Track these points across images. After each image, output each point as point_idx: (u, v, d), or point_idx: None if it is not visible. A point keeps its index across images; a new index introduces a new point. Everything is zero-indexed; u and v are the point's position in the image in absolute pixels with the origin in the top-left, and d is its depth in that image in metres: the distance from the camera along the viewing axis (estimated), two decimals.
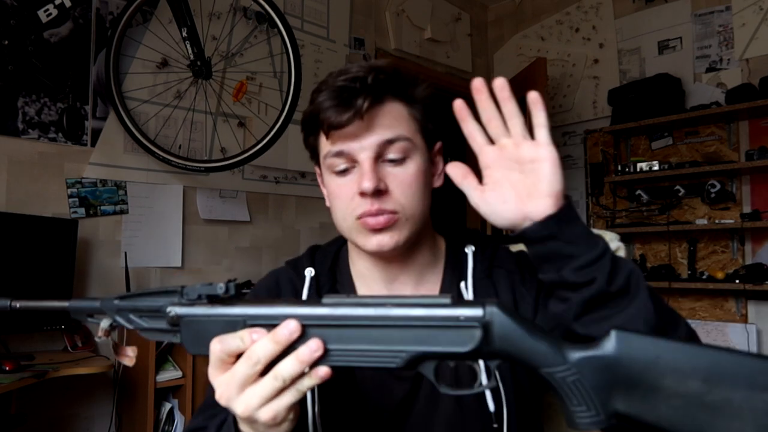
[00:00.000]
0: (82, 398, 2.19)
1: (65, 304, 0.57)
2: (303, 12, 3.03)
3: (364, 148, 0.71)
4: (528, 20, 4.17)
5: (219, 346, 0.51)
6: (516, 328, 0.50)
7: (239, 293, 0.54)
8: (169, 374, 2.11)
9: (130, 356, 0.61)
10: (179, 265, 2.50)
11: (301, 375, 0.50)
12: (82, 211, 2.22)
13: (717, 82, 3.27)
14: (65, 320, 2.00)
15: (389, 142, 0.71)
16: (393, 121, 0.72)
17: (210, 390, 0.77)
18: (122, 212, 2.33)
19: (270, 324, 0.52)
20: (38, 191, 2.12)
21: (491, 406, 0.70)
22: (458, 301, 0.51)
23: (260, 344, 0.50)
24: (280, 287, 0.83)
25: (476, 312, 0.50)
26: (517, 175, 0.61)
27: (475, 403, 0.72)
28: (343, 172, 0.73)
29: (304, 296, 0.79)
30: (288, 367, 0.50)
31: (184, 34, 2.12)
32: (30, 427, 2.00)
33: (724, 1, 3.26)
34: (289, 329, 0.50)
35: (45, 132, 2.15)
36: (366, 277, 0.81)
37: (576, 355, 0.49)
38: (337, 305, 0.52)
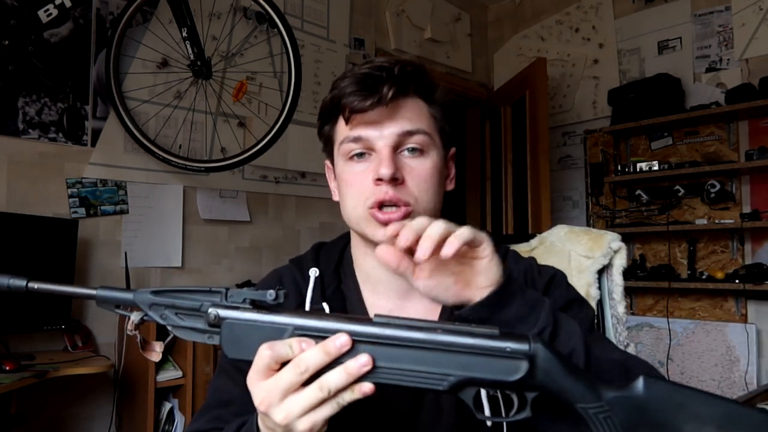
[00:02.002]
0: (82, 398, 2.20)
1: (93, 291, 0.55)
2: (303, 12, 3.03)
3: (383, 136, 0.71)
4: (528, 20, 4.17)
5: (269, 351, 0.51)
6: (558, 365, 0.53)
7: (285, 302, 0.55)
8: (170, 374, 2.11)
9: (157, 351, 0.60)
10: (179, 265, 2.50)
11: (345, 388, 0.50)
12: (82, 211, 2.22)
13: (717, 82, 3.28)
14: (65, 320, 2.00)
15: (409, 134, 0.71)
16: (414, 115, 0.73)
17: (212, 391, 0.76)
18: (122, 212, 2.33)
19: (318, 336, 0.52)
20: (38, 191, 2.12)
21: (489, 422, 0.69)
22: (505, 333, 0.54)
23: (310, 353, 0.51)
24: (283, 287, 0.81)
25: (522, 345, 0.53)
26: (454, 264, 0.60)
27: (476, 421, 0.72)
28: (359, 159, 0.73)
29: (308, 297, 0.78)
30: (335, 378, 0.50)
31: (184, 34, 2.13)
32: (30, 427, 2.01)
33: (723, 1, 3.26)
34: (340, 342, 0.51)
35: (45, 132, 2.15)
36: (371, 279, 0.79)
37: (609, 394, 0.54)
38: (387, 325, 0.53)
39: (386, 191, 0.69)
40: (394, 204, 0.70)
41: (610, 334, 0.97)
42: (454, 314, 0.62)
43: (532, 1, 4.15)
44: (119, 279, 2.23)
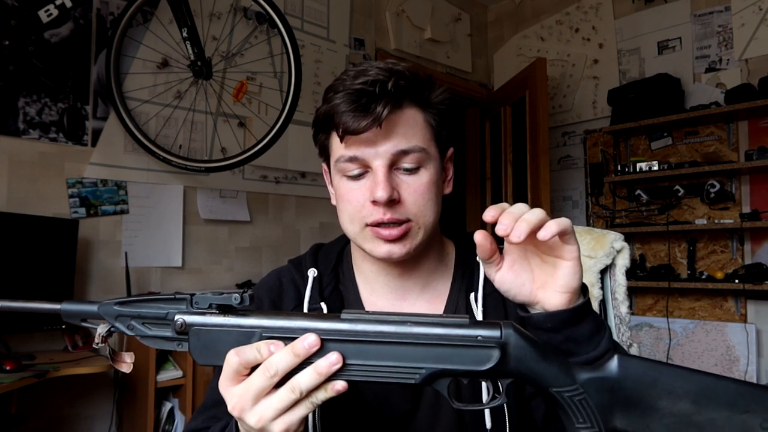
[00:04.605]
0: (83, 398, 2.20)
1: (56, 306, 0.55)
2: (303, 12, 3.03)
3: (379, 155, 0.69)
4: (528, 20, 4.17)
5: (236, 357, 0.51)
6: (530, 350, 0.53)
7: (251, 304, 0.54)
8: (170, 374, 2.11)
9: (127, 363, 0.58)
10: (179, 265, 2.50)
11: (317, 388, 0.50)
12: (82, 211, 2.22)
13: (716, 82, 3.28)
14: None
15: (404, 153, 0.70)
16: (409, 130, 0.71)
17: (210, 391, 0.77)
18: (123, 212, 2.33)
19: (287, 337, 0.52)
20: (39, 191, 2.12)
21: (488, 424, 0.69)
22: (476, 321, 0.53)
23: (279, 356, 0.50)
24: (282, 287, 0.82)
25: (494, 333, 0.52)
26: (537, 261, 0.60)
27: (475, 419, 0.71)
28: (355, 177, 0.72)
29: (307, 297, 0.78)
30: (306, 378, 0.50)
31: (185, 34, 2.12)
32: (30, 427, 2.01)
33: (723, 2, 3.27)
34: (309, 342, 0.51)
35: (46, 132, 2.15)
36: (370, 280, 0.80)
37: (583, 376, 0.53)
38: (356, 321, 0.52)
39: (384, 212, 0.69)
40: (394, 223, 0.70)
41: (613, 334, 0.97)
42: (520, 315, 0.61)
43: (532, 1, 4.15)
44: (120, 279, 2.23)
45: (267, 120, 2.68)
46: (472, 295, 0.77)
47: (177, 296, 0.54)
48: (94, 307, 0.55)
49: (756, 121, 3.13)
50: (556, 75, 3.95)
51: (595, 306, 0.95)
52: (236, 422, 0.57)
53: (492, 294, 0.76)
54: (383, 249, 0.71)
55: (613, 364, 0.53)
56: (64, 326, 2.01)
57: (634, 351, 0.90)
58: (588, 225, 3.66)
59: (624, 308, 0.95)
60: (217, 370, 0.78)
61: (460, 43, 4.03)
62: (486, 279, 0.77)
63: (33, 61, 2.11)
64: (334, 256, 0.83)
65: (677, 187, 3.30)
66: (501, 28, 4.33)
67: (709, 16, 3.32)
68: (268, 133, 2.25)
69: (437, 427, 0.73)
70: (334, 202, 0.79)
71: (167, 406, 2.18)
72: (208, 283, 2.59)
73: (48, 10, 1.98)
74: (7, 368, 1.68)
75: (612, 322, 0.96)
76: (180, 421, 2.15)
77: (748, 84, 3.07)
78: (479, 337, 0.52)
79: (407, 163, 0.70)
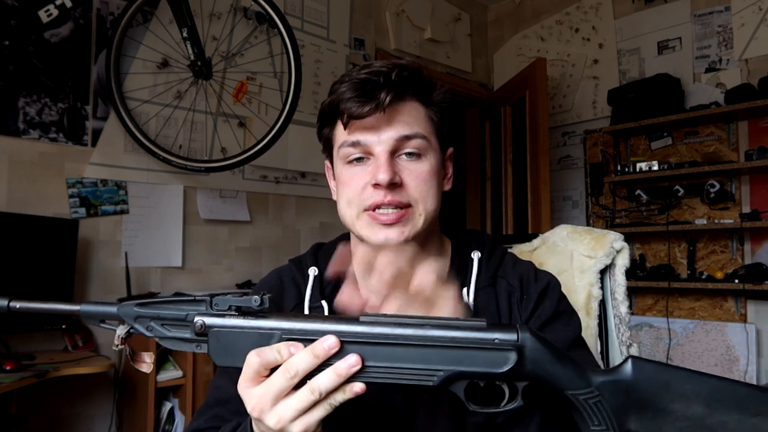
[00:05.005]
0: (83, 398, 2.20)
1: (76, 307, 0.55)
2: (303, 12, 3.03)
3: (381, 141, 0.71)
4: (528, 20, 4.17)
5: (257, 358, 0.51)
6: (546, 353, 0.54)
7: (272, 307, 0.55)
8: (170, 374, 2.11)
9: (147, 363, 0.59)
10: (179, 265, 2.50)
11: (336, 389, 0.51)
12: (82, 211, 2.22)
13: (716, 82, 3.28)
14: (66, 320, 2.00)
15: (407, 138, 0.72)
16: (411, 119, 0.73)
17: (212, 390, 0.77)
18: (123, 212, 2.33)
19: (306, 339, 0.52)
20: (39, 191, 2.12)
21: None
22: (493, 324, 0.54)
23: (299, 357, 0.51)
24: (283, 286, 0.82)
25: (510, 336, 0.53)
26: None
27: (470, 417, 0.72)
28: (357, 162, 0.74)
29: (308, 296, 0.79)
30: (325, 380, 0.50)
31: (185, 34, 2.12)
32: (30, 427, 2.01)
33: (723, 2, 3.27)
34: (328, 344, 0.51)
35: (46, 132, 2.15)
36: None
37: (598, 379, 0.54)
38: (375, 323, 0.53)
39: (384, 194, 0.70)
40: (394, 206, 0.71)
41: (613, 334, 0.97)
42: None
43: (532, 1, 4.15)
44: (120, 279, 2.23)
45: (267, 120, 2.67)
46: (465, 289, 0.78)
47: (197, 298, 0.55)
48: (113, 309, 0.55)
49: (756, 121, 3.13)
50: (556, 75, 3.95)
51: (595, 306, 0.95)
52: (250, 423, 0.57)
53: (484, 289, 0.78)
54: (380, 235, 0.72)
55: (628, 366, 0.54)
56: (64, 326, 2.01)
57: (634, 351, 0.90)
58: (588, 225, 3.66)
59: (624, 308, 0.95)
60: (220, 369, 0.79)
61: (460, 43, 4.03)
62: (479, 275, 0.79)
63: (33, 61, 2.11)
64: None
65: (677, 187, 3.30)
66: (501, 28, 4.33)
67: (709, 16, 3.32)
68: (268, 133, 2.25)
69: (436, 426, 0.73)
70: (335, 197, 0.80)
71: (167, 406, 2.18)
72: (208, 283, 2.59)
73: (48, 10, 1.98)
74: (7, 368, 1.68)
75: (612, 322, 0.96)
76: (180, 421, 2.15)
77: (748, 84, 3.07)
78: (496, 340, 0.53)
79: (409, 148, 0.72)
